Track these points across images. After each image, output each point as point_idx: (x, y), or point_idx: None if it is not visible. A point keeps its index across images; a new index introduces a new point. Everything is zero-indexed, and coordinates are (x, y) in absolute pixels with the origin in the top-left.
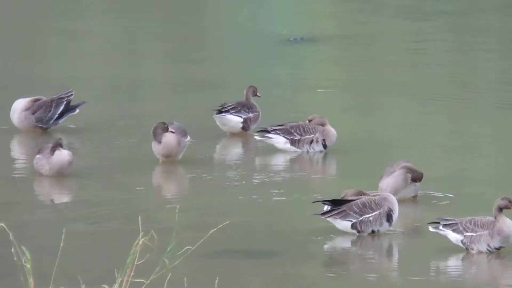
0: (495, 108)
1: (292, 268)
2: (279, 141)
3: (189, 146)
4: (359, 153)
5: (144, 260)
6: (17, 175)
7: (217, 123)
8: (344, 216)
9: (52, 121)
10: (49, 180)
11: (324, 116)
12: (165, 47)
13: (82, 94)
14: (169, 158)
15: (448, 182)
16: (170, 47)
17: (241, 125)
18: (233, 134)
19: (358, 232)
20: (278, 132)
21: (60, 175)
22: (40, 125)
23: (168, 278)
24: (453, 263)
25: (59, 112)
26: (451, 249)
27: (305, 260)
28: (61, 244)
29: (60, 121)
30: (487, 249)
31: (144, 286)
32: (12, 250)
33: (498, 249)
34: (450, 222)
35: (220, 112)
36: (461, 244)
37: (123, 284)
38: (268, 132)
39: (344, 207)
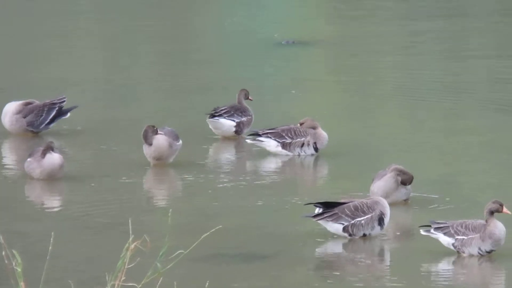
0: (487, 111)
1: (284, 271)
2: (271, 144)
3: (181, 150)
4: (351, 156)
5: (136, 264)
6: (8, 178)
7: (210, 127)
8: (336, 219)
9: (43, 125)
10: (40, 184)
11: (315, 119)
12: (157, 50)
13: (73, 98)
14: (160, 161)
15: (439, 185)
16: (162, 50)
17: (234, 129)
18: (226, 138)
19: (350, 235)
20: (269, 135)
21: (51, 178)
22: (31, 129)
23: (159, 282)
24: (445, 267)
25: (50, 117)
26: (443, 252)
27: (296, 263)
28: (50, 248)
29: (51, 125)
30: (478, 253)
31: None
32: (3, 253)
33: (489, 252)
34: (441, 226)
35: (213, 116)
36: (452, 248)
37: None
38: (260, 135)
39: (336, 210)
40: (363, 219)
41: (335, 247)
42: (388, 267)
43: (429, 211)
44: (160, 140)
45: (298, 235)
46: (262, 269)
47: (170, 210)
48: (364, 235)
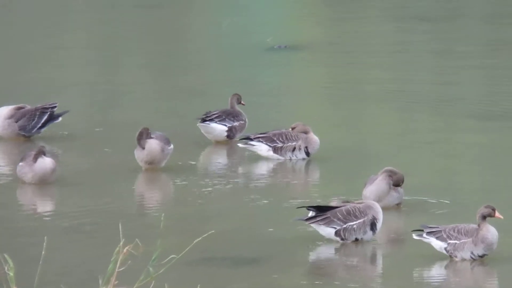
0: (479, 115)
1: (276, 275)
2: (262, 148)
3: (174, 154)
4: (343, 160)
5: (128, 268)
6: (0, 183)
7: (202, 131)
8: (328, 222)
9: (35, 130)
10: (32, 188)
11: (307, 124)
12: (148, 54)
13: (65, 102)
14: (152, 165)
15: (432, 190)
16: (153, 54)
17: (225, 134)
18: (218, 142)
19: (342, 239)
20: (261, 139)
21: (43, 182)
22: (23, 133)
23: (152, 286)
24: (437, 271)
25: (42, 122)
26: (435, 256)
27: (288, 267)
28: (43, 252)
29: (43, 130)
30: (471, 257)
31: None
32: None
33: (481, 256)
34: (433, 230)
35: (204, 120)
36: (444, 252)
37: None
38: (251, 139)
39: (328, 214)
40: (355, 224)
41: (327, 251)
42: (381, 272)
43: (421, 215)
44: (153, 144)
45: (290, 239)
46: (254, 273)
47: (163, 214)
48: (356, 239)
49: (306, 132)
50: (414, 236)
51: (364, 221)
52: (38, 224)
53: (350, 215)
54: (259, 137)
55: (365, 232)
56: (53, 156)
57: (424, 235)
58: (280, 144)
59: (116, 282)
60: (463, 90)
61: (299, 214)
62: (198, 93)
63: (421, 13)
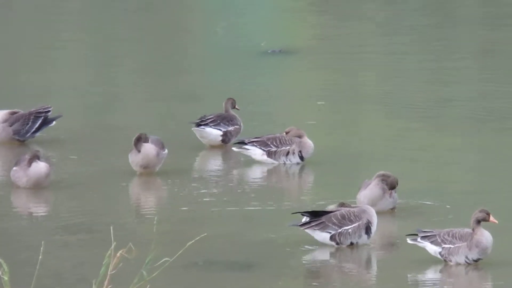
0: (472, 119)
1: (271, 280)
2: (256, 152)
3: (168, 158)
4: (337, 165)
5: (122, 272)
6: None
7: (197, 135)
8: (323, 227)
9: (29, 134)
10: (26, 192)
11: (301, 128)
12: (142, 59)
13: (59, 106)
14: (147, 169)
15: (426, 194)
16: (147, 59)
17: (220, 138)
18: (213, 147)
19: (337, 244)
20: (255, 144)
21: (37, 187)
22: (17, 138)
23: None
24: (431, 275)
25: (36, 126)
26: (429, 261)
27: (283, 272)
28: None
29: (37, 134)
30: (465, 261)
31: None
32: None
33: (476, 261)
34: (428, 234)
35: (199, 125)
36: (439, 256)
37: None
38: (245, 144)
39: (323, 219)
40: (350, 228)
41: (322, 256)
42: (375, 276)
43: (416, 220)
44: (148, 148)
45: (285, 244)
46: (248, 277)
47: (156, 218)
48: (351, 243)
49: (300, 137)
50: (409, 241)
51: (359, 225)
52: (32, 228)
53: (345, 220)
54: (253, 141)
55: (360, 236)
56: (47, 160)
57: (419, 239)
58: (274, 149)
59: (110, 286)
60: (456, 94)
61: (293, 220)
62: (192, 97)
63: (415, 19)
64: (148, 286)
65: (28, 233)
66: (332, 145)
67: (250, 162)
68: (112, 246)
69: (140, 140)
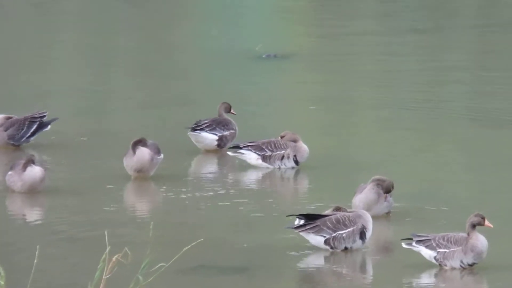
0: (467, 122)
1: (265, 284)
2: (251, 157)
3: (163, 162)
4: (332, 169)
5: (118, 276)
6: None
7: (192, 140)
8: (318, 231)
9: (24, 139)
10: (21, 197)
11: (296, 132)
12: (137, 63)
13: (54, 110)
14: (141, 173)
15: (421, 198)
16: (142, 63)
17: (216, 143)
18: (208, 151)
19: (331, 248)
20: (250, 148)
21: (32, 191)
22: (12, 142)
23: None
24: (426, 280)
25: (31, 131)
26: (424, 265)
27: (278, 276)
28: (35, 261)
29: (32, 139)
30: (460, 266)
31: None
32: None
33: (471, 265)
34: (423, 239)
35: (194, 129)
36: (434, 261)
37: None
38: (240, 148)
39: (318, 222)
40: (344, 232)
41: (317, 260)
42: (370, 280)
43: (411, 223)
44: (143, 152)
45: (280, 248)
46: (243, 282)
47: (152, 222)
48: (346, 248)
49: (295, 141)
50: (404, 245)
51: (353, 230)
52: (27, 233)
53: (340, 224)
54: (248, 145)
55: (354, 241)
56: (42, 164)
57: (414, 243)
58: (269, 153)
59: None
60: (451, 97)
61: (289, 223)
62: (187, 101)
63: (409, 22)
64: None
65: (23, 237)
66: (327, 149)
67: (245, 166)
68: (107, 250)
69: (138, 143)
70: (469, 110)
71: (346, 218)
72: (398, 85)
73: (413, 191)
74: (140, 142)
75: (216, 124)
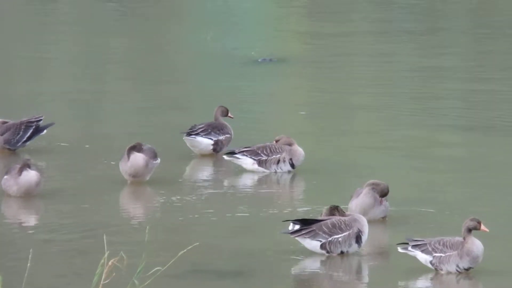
0: (462, 127)
1: None
2: (247, 162)
3: (159, 167)
4: (329, 173)
5: (114, 281)
6: None
7: (188, 144)
8: (314, 236)
9: (20, 143)
10: (17, 201)
11: (292, 136)
12: (132, 68)
13: (49, 114)
14: (136, 178)
15: (417, 202)
16: (137, 68)
17: (211, 147)
18: (204, 155)
19: (327, 252)
20: (245, 153)
21: (28, 195)
22: (8, 147)
23: None
24: (422, 284)
25: (27, 136)
26: (420, 269)
27: (274, 280)
28: (28, 264)
29: (28, 143)
30: (456, 270)
31: None
32: None
33: (467, 269)
34: (419, 243)
35: (189, 134)
36: (430, 265)
37: None
38: (236, 154)
39: (313, 227)
40: (340, 237)
41: (313, 264)
42: (366, 285)
43: (407, 228)
44: (138, 158)
45: (276, 252)
46: (239, 286)
47: (147, 226)
48: (342, 252)
49: (290, 144)
50: (400, 249)
51: (349, 234)
52: (23, 237)
53: (336, 228)
54: (243, 151)
55: (350, 245)
56: (38, 169)
57: (410, 248)
58: (264, 157)
59: None
60: (446, 102)
61: (284, 228)
62: (183, 105)
63: (404, 27)
64: None
65: (18, 241)
66: (323, 153)
67: (241, 170)
68: (106, 255)
69: (133, 149)
70: (464, 115)
71: (342, 222)
72: (393, 89)
73: (409, 196)
74: (135, 148)
75: (211, 129)
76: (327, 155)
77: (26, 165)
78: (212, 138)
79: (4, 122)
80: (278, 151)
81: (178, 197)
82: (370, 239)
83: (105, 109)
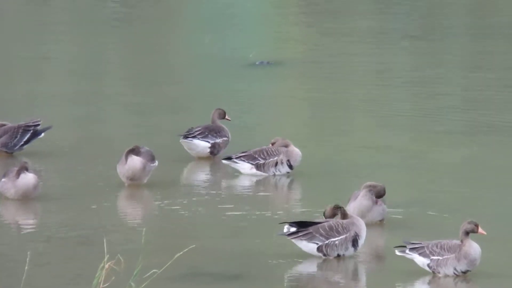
0: (461, 130)
1: None
2: (245, 167)
3: (157, 170)
4: (328, 174)
5: (111, 283)
6: None
7: (185, 147)
8: (310, 238)
9: (17, 147)
10: (15, 203)
11: (288, 138)
12: (131, 69)
13: (46, 117)
14: (134, 181)
15: (415, 205)
16: (136, 69)
17: (208, 150)
18: (201, 158)
19: (324, 255)
20: (242, 158)
21: (26, 198)
22: (5, 150)
23: None
24: (420, 287)
25: (25, 139)
26: (418, 272)
27: (271, 283)
28: (26, 267)
29: (25, 146)
30: (454, 273)
31: None
32: None
33: (464, 272)
34: (416, 246)
35: (186, 137)
36: (427, 268)
37: None
38: (233, 159)
39: (310, 229)
40: (337, 240)
41: (310, 267)
42: None
43: (404, 231)
44: (135, 161)
45: (272, 255)
46: None
47: (144, 229)
48: (338, 255)
49: (286, 146)
50: (397, 252)
51: (346, 237)
52: (20, 240)
53: (333, 231)
54: (240, 156)
55: (346, 249)
56: (36, 171)
57: (407, 251)
58: (262, 161)
59: None
60: (446, 103)
61: (281, 230)
62: (180, 108)
63: (403, 30)
64: None
65: (16, 244)
66: (321, 155)
67: (239, 173)
68: (105, 259)
69: (131, 152)
70: (463, 116)
71: (339, 225)
72: (391, 91)
73: (407, 199)
74: (133, 151)
75: (208, 132)
76: (326, 156)
77: (24, 168)
78: (209, 140)
79: (2, 125)
80: (275, 153)
81: (175, 200)
82: (368, 242)
83: (102, 112)
